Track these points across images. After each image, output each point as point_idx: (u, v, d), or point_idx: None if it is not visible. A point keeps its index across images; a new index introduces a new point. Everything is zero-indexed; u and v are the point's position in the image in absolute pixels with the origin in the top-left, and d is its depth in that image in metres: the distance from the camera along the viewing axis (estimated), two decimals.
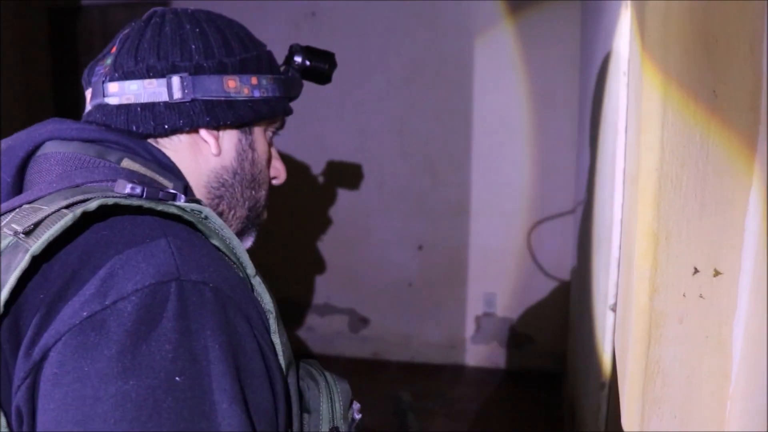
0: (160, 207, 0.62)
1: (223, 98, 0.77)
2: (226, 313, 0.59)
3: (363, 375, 3.47)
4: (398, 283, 3.57)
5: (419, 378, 3.44)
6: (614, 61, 1.78)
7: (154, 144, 0.78)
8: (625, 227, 0.87)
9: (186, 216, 0.63)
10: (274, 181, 0.89)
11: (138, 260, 0.58)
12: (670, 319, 0.78)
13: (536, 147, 3.32)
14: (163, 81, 0.75)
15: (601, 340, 1.97)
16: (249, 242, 0.87)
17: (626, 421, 0.82)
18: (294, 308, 3.71)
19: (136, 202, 0.62)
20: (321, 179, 3.59)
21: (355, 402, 0.79)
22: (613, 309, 1.87)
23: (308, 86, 0.89)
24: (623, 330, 0.85)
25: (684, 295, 0.79)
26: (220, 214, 0.82)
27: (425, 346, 3.59)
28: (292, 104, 0.87)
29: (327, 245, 3.64)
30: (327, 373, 0.78)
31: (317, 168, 3.57)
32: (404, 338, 3.60)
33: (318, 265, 3.66)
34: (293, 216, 3.61)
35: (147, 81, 0.75)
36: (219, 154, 0.80)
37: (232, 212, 0.83)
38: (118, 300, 0.56)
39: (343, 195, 3.58)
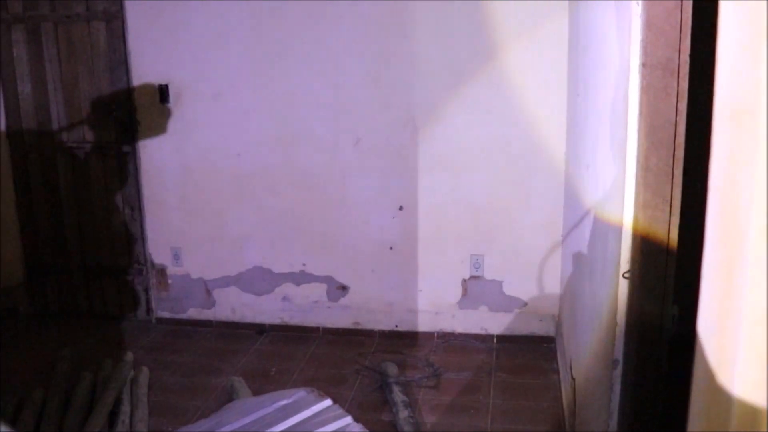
0: None
1: None
2: None
3: (344, 346, 3.30)
4: (378, 247, 3.33)
5: (404, 348, 3.27)
6: None
7: None
8: (715, 205, 0.59)
9: None
10: None
11: None
12: None
13: (524, 95, 3.07)
14: None
15: (612, 311, 1.74)
16: None
17: None
18: (267, 277, 3.45)
19: None
20: (291, 137, 3.27)
21: None
22: (627, 277, 1.64)
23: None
24: (717, 359, 0.58)
25: None
26: None
27: (409, 313, 3.37)
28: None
29: (300, 208, 3.36)
30: None
31: (287, 125, 3.26)
32: (387, 306, 3.38)
33: (291, 230, 3.39)
34: (263, 178, 3.33)
35: None
36: None
37: None
38: None
39: (317, 153, 3.28)
